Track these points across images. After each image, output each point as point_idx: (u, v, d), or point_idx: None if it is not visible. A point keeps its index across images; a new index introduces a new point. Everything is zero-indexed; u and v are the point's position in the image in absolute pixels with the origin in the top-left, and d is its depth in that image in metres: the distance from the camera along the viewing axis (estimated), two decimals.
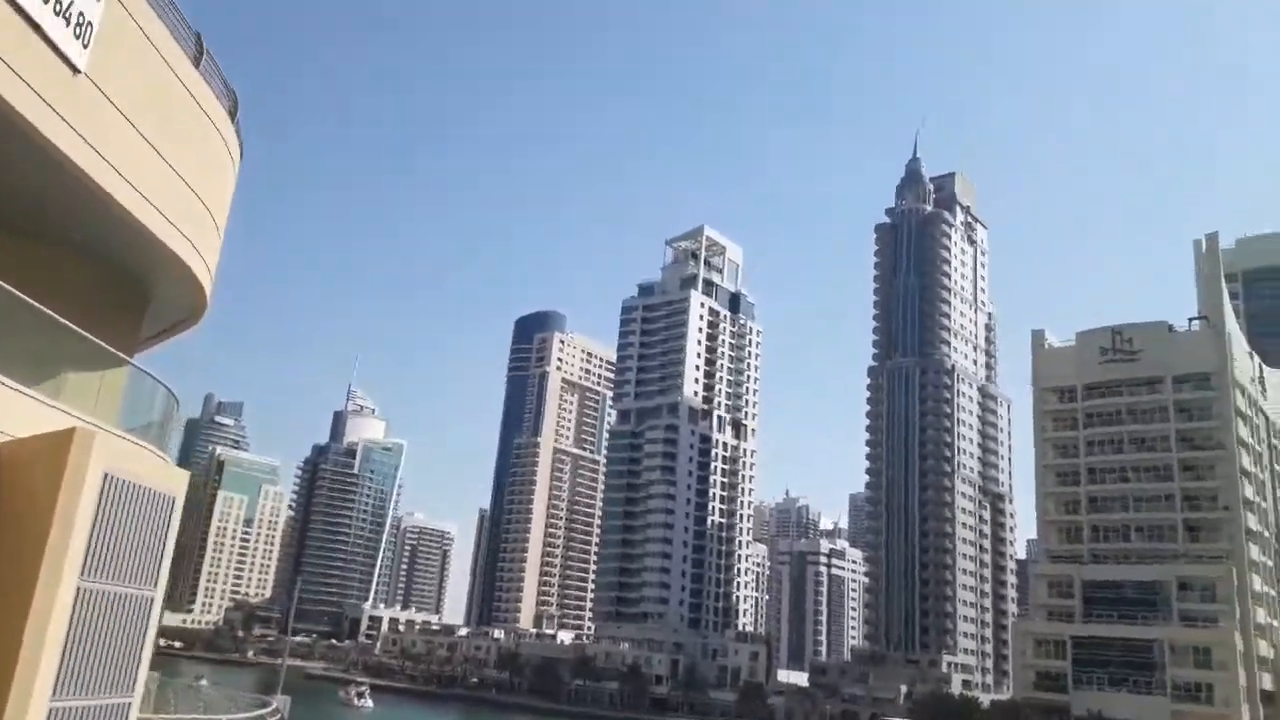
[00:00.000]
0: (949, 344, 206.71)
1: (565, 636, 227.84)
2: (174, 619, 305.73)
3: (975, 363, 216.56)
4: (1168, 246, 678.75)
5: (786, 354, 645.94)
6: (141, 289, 14.30)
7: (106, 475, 8.84)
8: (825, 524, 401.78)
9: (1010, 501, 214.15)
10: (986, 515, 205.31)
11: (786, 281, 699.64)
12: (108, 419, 11.85)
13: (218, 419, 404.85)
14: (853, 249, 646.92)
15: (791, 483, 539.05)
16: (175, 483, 10.47)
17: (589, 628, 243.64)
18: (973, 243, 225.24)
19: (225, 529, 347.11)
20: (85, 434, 8.52)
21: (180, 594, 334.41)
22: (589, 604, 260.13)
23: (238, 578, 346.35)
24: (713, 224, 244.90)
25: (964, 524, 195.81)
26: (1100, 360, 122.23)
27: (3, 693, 7.81)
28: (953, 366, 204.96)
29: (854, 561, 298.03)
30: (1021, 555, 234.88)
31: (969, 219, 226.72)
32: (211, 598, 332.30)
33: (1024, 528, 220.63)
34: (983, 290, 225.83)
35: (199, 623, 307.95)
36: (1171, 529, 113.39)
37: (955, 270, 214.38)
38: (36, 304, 10.09)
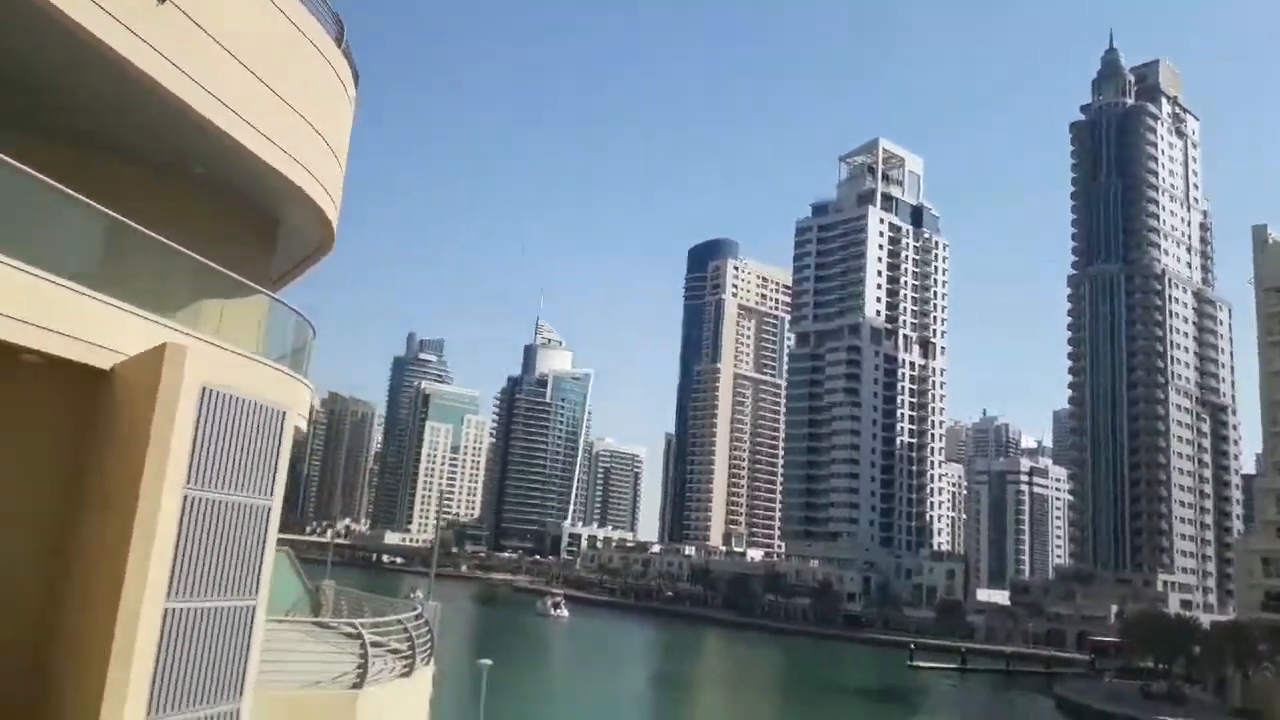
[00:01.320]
0: (1158, 247, 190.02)
1: (754, 554, 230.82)
2: (395, 537, 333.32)
3: (1189, 265, 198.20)
4: None
5: (979, 267, 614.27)
6: (268, 222, 14.82)
7: (205, 388, 9.22)
8: (1028, 443, 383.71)
9: (1234, 413, 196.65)
10: (1206, 428, 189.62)
11: (976, 191, 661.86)
12: (246, 346, 12.51)
13: (421, 356, 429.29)
14: (1048, 152, 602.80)
15: (991, 402, 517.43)
16: (287, 397, 10.85)
17: (778, 546, 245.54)
18: (1182, 136, 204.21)
19: (435, 455, 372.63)
20: (176, 348, 8.88)
21: (399, 515, 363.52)
22: (777, 523, 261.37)
23: (448, 499, 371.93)
24: (889, 136, 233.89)
25: (1179, 437, 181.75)
26: None
27: (115, 593, 8.39)
28: (1163, 271, 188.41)
29: (1058, 480, 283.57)
30: (1250, 470, 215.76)
31: (1176, 110, 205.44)
32: (426, 518, 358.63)
33: (1251, 441, 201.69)
34: (1195, 187, 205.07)
35: (417, 541, 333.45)
36: None
37: (1162, 167, 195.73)
38: (156, 235, 10.54)
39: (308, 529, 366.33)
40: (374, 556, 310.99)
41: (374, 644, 13.51)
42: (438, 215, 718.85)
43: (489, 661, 39.67)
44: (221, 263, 11.94)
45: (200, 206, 13.65)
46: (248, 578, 10.02)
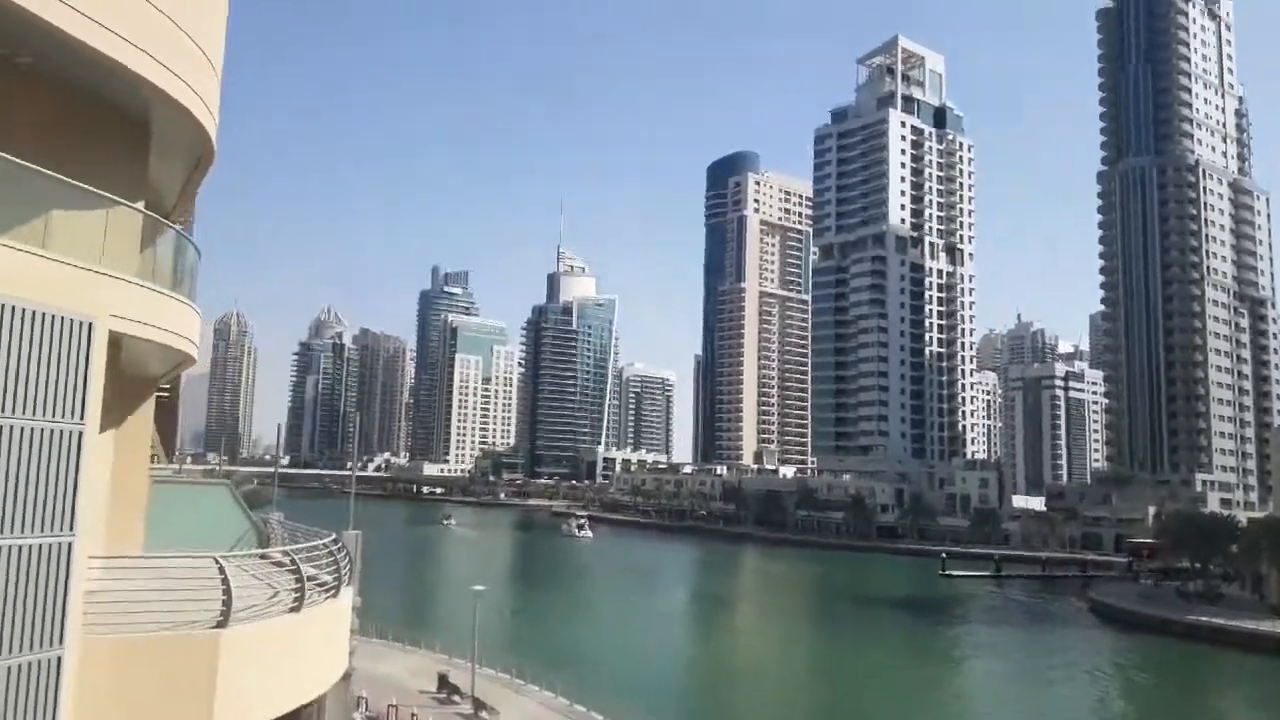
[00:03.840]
0: (1191, 136, 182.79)
1: (787, 471, 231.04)
2: (433, 468, 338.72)
3: (1225, 155, 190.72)
4: None
5: (1007, 168, 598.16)
6: (133, 129, 13.46)
7: None
8: (1064, 347, 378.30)
9: (1274, 306, 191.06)
10: (1245, 323, 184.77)
11: (999, 88, 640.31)
12: (117, 263, 11.38)
13: (446, 289, 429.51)
14: (1074, 41, 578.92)
15: (1027, 308, 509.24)
16: (94, 307, 9.57)
17: (810, 462, 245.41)
18: (1214, 17, 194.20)
19: (467, 387, 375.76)
20: None
21: (436, 447, 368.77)
22: (809, 439, 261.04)
23: (483, 429, 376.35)
24: (908, 34, 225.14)
25: (1216, 333, 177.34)
26: None
27: None
28: (1196, 161, 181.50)
29: (1094, 384, 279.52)
30: None
31: None
32: (463, 449, 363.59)
33: None
34: (1230, 71, 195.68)
35: (455, 471, 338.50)
36: None
37: (1194, 52, 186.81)
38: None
39: (348, 464, 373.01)
40: (414, 488, 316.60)
41: (294, 570, 12.49)
42: (458, 151, 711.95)
43: (482, 587, 39.75)
44: (76, 173, 10.73)
45: (38, 107, 12.27)
46: (55, 511, 8.89)
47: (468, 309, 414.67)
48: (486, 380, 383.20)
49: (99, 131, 13.03)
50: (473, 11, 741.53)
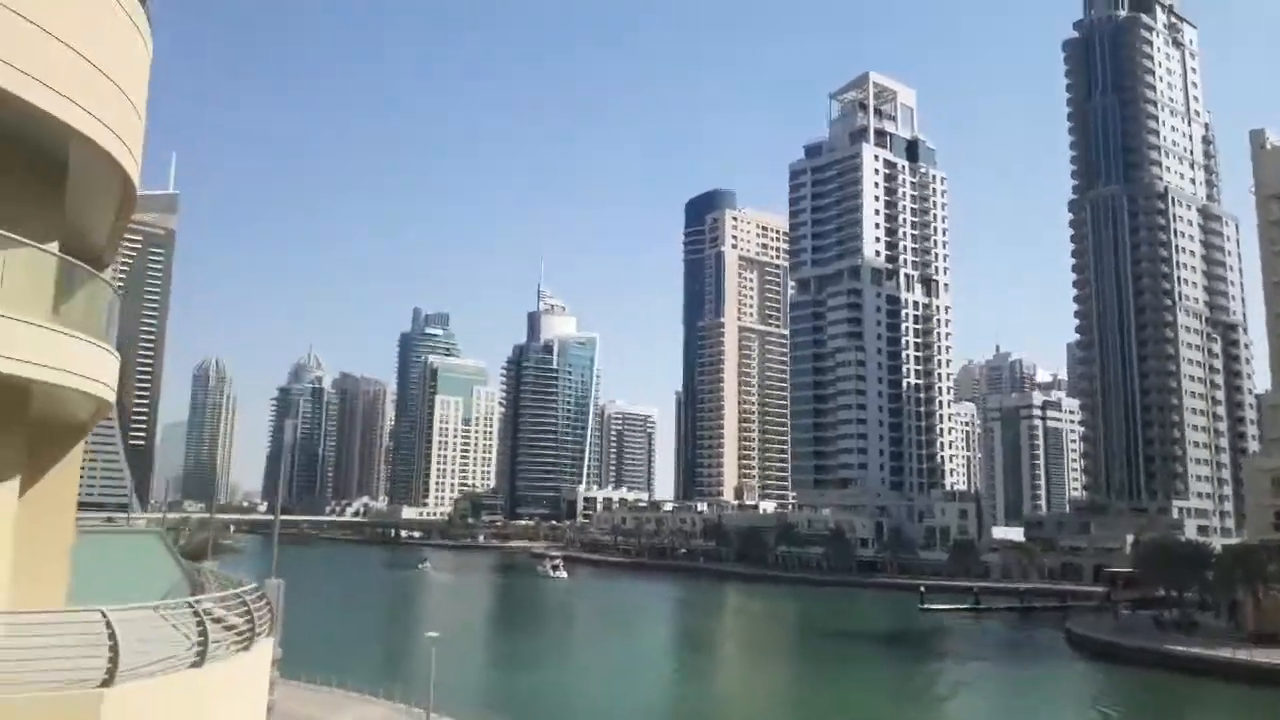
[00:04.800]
0: (1159, 164, 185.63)
1: (767, 506, 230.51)
2: (411, 511, 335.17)
3: (1193, 181, 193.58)
4: None
5: (981, 200, 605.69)
6: (48, 168, 13.14)
7: None
8: (1043, 377, 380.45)
9: (1245, 331, 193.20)
10: (1217, 348, 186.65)
11: (970, 121, 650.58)
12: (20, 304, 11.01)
13: (427, 330, 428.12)
14: (1042, 74, 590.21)
15: (1007, 339, 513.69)
16: None
17: (791, 497, 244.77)
18: (1179, 46, 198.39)
19: (446, 429, 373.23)
20: None
21: (415, 490, 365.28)
22: (789, 474, 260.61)
23: (463, 471, 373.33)
24: (880, 69, 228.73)
25: (1189, 359, 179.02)
26: None
27: None
28: (1165, 189, 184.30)
29: (1071, 412, 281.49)
30: (1265, 388, 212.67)
31: (1172, 19, 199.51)
32: (443, 491, 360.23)
33: (1265, 358, 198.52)
34: (1195, 99, 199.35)
35: (434, 514, 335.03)
36: None
37: (1160, 80, 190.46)
38: None
39: (326, 509, 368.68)
40: (392, 532, 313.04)
41: (199, 622, 11.96)
42: (443, 193, 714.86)
43: (436, 634, 39.04)
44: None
45: None
46: None
47: (449, 350, 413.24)
48: (467, 421, 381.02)
49: (8, 172, 12.71)
50: (444, 47, 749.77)
